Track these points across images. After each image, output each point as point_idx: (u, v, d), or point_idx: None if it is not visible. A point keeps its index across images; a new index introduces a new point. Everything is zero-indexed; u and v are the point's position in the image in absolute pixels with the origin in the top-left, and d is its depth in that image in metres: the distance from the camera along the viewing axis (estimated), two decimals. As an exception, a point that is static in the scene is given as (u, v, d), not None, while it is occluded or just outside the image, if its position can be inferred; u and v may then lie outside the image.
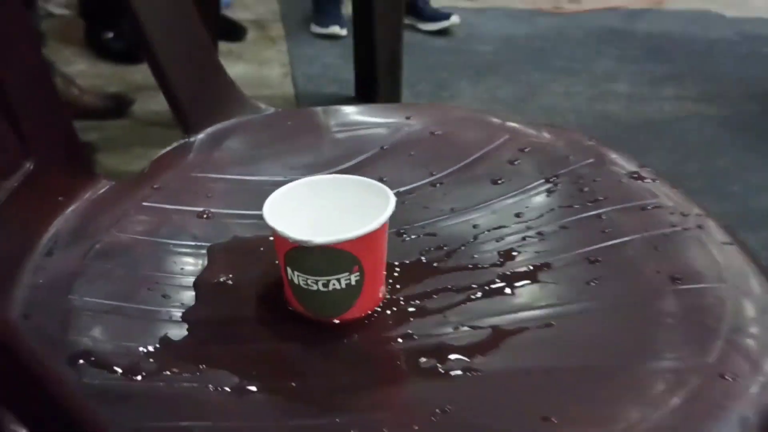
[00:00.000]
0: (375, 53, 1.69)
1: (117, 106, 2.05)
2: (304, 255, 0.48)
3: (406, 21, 2.55)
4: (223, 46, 2.49)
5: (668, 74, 2.53)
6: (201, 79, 0.71)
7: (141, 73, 2.27)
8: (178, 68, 0.68)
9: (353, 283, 0.49)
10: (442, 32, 2.79)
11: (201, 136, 0.68)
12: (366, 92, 1.92)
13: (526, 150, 0.66)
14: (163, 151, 0.67)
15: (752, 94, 2.38)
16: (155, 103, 2.06)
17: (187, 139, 0.68)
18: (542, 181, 0.62)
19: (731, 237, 0.53)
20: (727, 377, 0.41)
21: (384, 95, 1.74)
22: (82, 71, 2.25)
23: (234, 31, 2.60)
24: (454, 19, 2.78)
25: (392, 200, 0.50)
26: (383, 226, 0.49)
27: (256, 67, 2.43)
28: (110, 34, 2.35)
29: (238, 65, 2.41)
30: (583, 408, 0.40)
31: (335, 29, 2.64)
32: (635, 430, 0.38)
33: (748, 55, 2.77)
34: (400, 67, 1.78)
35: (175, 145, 0.68)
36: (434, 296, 0.51)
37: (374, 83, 1.76)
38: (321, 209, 0.52)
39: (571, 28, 2.97)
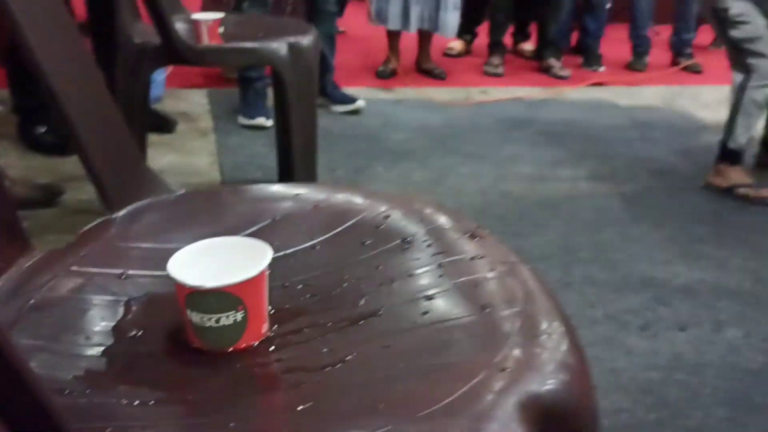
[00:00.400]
0: (291, 141, 1.87)
1: (47, 195, 2.14)
2: (199, 297, 0.62)
3: (321, 101, 2.86)
4: (154, 137, 2.63)
5: (565, 157, 2.80)
6: (122, 166, 0.85)
7: (71, 165, 2.39)
8: (102, 157, 0.82)
9: (239, 319, 0.63)
10: (354, 114, 3.10)
11: (122, 212, 0.82)
12: (286, 177, 2.09)
13: (390, 217, 0.82)
14: (90, 225, 0.80)
15: (638, 174, 2.65)
16: (84, 193, 2.17)
17: (110, 216, 0.82)
18: (399, 241, 0.78)
19: (533, 277, 0.69)
20: (506, 371, 0.56)
21: (300, 179, 1.91)
22: (12, 164, 2.35)
23: (164, 124, 2.76)
24: (360, 103, 3.13)
25: (269, 254, 0.65)
26: (262, 273, 0.63)
27: (186, 156, 2.58)
28: (43, 129, 2.46)
29: (169, 155, 2.55)
30: (404, 398, 0.55)
31: (261, 120, 2.83)
32: (434, 407, 0.52)
33: (637, 139, 3.08)
34: (315, 154, 1.95)
35: (99, 220, 0.81)
36: (305, 330, 0.66)
37: (292, 169, 1.92)
38: (214, 263, 0.66)
39: (480, 117, 3.24)
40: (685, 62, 4.27)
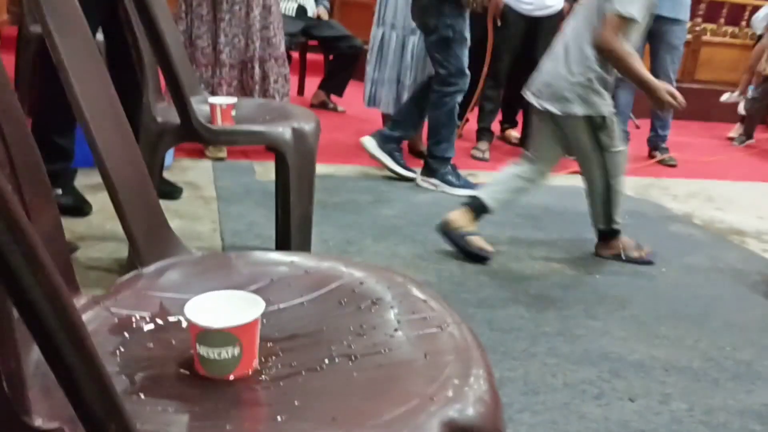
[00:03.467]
0: (290, 214, 2.08)
1: (64, 251, 2.34)
2: (207, 335, 0.81)
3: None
4: (161, 203, 2.85)
5: (541, 239, 3.02)
6: (152, 229, 1.06)
7: (84, 225, 2.60)
8: (137, 221, 1.04)
9: (236, 354, 0.82)
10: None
11: (151, 268, 1.02)
12: (283, 246, 2.30)
13: (364, 283, 1.03)
14: (124, 277, 1.00)
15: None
16: (95, 251, 2.37)
17: (140, 270, 1.02)
18: (369, 302, 0.98)
19: (470, 334, 0.89)
20: (436, 400, 0.75)
21: (297, 248, 2.11)
22: (33, 221, 2.55)
23: (171, 191, 2.98)
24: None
25: (262, 306, 0.85)
26: (255, 320, 0.83)
27: (189, 222, 2.80)
28: (59, 191, 2.68)
29: (174, 221, 2.76)
30: (357, 415, 0.74)
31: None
32: (378, 421, 0.71)
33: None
34: (310, 226, 2.17)
35: (132, 274, 1.02)
36: (287, 365, 0.85)
37: (289, 239, 2.13)
38: (220, 310, 0.85)
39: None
40: (660, 156, 4.56)
